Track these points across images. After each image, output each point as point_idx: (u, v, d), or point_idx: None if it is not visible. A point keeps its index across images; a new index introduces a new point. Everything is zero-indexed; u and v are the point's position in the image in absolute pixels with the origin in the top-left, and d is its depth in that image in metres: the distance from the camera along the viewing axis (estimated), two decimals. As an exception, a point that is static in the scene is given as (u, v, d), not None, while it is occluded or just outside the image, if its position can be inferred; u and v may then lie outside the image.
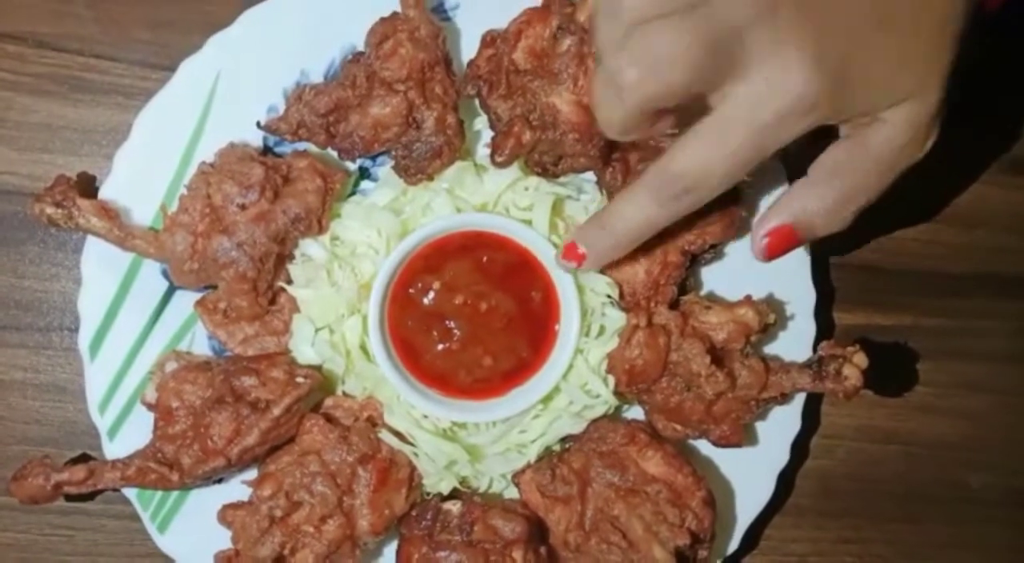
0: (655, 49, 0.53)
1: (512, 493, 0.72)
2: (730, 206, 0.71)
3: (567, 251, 0.65)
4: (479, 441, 0.72)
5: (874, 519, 0.85)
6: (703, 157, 0.55)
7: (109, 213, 0.67)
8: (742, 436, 0.72)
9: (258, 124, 0.69)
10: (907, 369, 0.84)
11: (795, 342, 0.76)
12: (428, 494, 0.72)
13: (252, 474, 0.69)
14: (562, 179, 0.73)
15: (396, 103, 0.67)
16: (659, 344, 0.69)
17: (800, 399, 0.76)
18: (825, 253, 0.79)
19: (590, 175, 0.74)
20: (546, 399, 0.71)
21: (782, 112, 0.53)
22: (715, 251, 0.75)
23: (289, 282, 0.70)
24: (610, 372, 0.70)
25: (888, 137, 0.56)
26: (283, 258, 0.69)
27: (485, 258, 0.70)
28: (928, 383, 0.85)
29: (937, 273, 0.84)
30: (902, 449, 0.85)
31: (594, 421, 0.73)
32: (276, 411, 0.65)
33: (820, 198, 0.59)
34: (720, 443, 0.72)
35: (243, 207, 0.66)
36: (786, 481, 0.78)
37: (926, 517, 0.85)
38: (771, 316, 0.72)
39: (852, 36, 0.53)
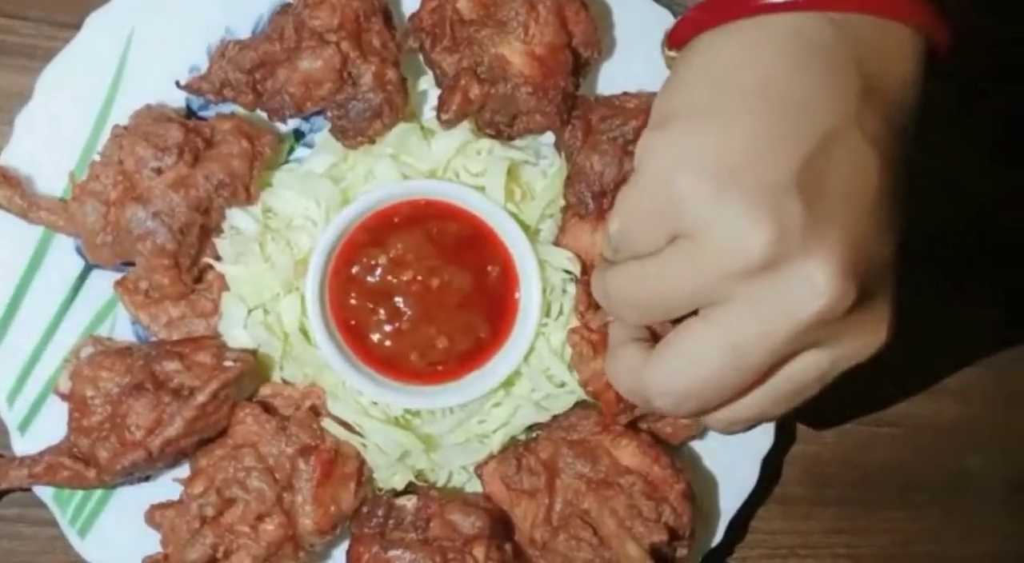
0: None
1: (475, 487, 0.68)
2: None
3: None
4: (435, 430, 0.67)
5: (866, 507, 0.82)
6: (683, 381, 0.50)
7: (10, 181, 0.62)
8: None
9: (177, 83, 0.65)
10: (900, 344, 0.80)
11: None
12: (380, 489, 0.67)
13: (185, 471, 0.65)
14: (518, 142, 0.69)
15: (328, 55, 0.63)
16: None
17: None
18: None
19: (549, 137, 0.70)
20: (507, 384, 0.67)
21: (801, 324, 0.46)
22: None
23: (218, 258, 0.66)
24: (595, 398, 0.66)
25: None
26: (209, 231, 0.65)
27: (435, 229, 0.66)
28: (921, 359, 0.80)
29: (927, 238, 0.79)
30: (895, 431, 0.83)
31: (562, 409, 0.68)
32: (200, 398, 0.60)
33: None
34: None
35: (159, 171, 0.61)
36: (772, 468, 0.75)
37: (921, 503, 0.82)
38: None
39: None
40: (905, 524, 0.83)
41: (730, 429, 0.55)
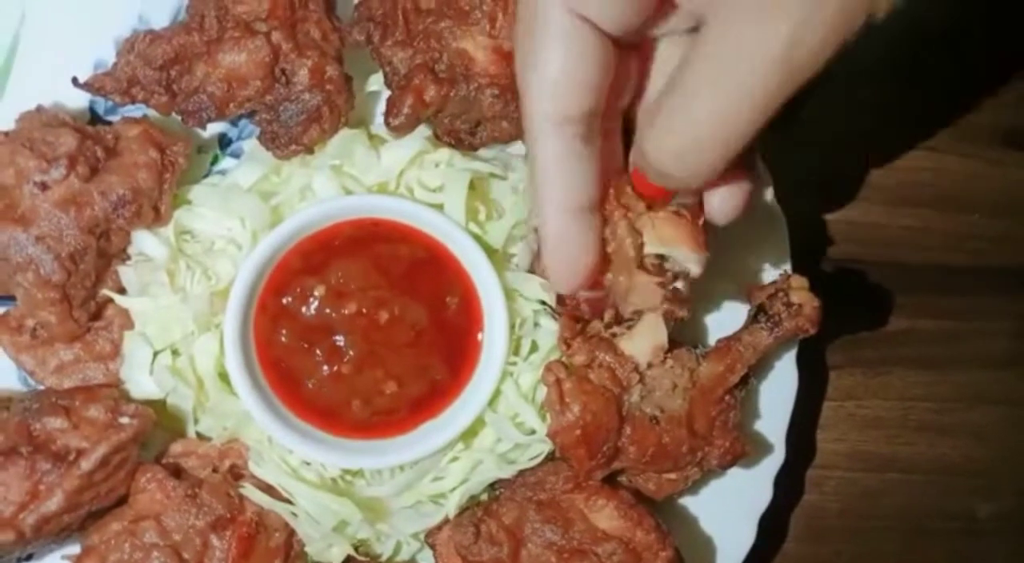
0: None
1: (427, 558, 0.64)
2: None
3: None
4: (380, 493, 0.63)
5: None
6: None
7: None
8: (744, 441, 0.64)
9: (75, 80, 0.59)
10: (904, 382, 0.80)
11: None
12: None
13: (78, 547, 0.59)
14: (482, 152, 0.67)
15: (255, 48, 0.58)
16: (595, 384, 0.61)
17: (783, 424, 0.69)
18: (801, 246, 0.73)
19: (519, 147, 0.66)
20: (468, 435, 0.64)
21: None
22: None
23: (120, 290, 0.61)
24: (564, 454, 0.62)
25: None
26: (109, 258, 0.60)
27: (384, 254, 0.62)
28: (928, 397, 0.80)
29: (928, 267, 0.80)
30: (901, 478, 0.79)
31: (529, 462, 0.64)
32: (86, 465, 0.53)
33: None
34: (727, 461, 0.64)
35: (44, 187, 0.56)
36: (770, 523, 0.70)
37: (929, 558, 0.79)
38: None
39: None
40: (909, 585, 0.79)
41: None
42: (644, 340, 0.62)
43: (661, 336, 0.61)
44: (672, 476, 0.64)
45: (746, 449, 0.64)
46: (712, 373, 0.62)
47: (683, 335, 0.65)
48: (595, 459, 0.61)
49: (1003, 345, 0.80)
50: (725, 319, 0.67)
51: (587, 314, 0.63)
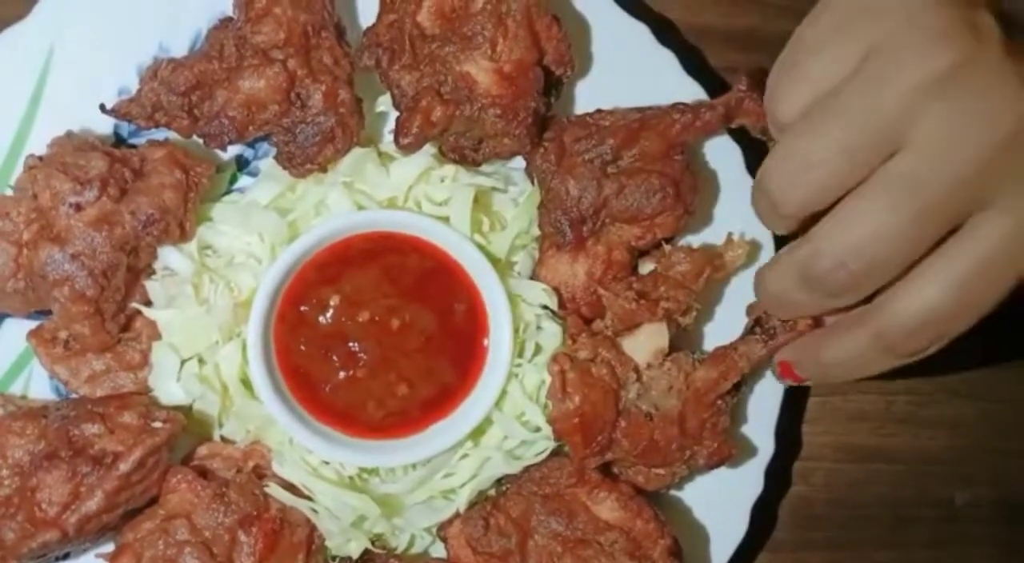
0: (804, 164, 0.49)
1: (439, 551, 0.65)
2: (682, 194, 0.64)
3: (783, 369, 0.63)
4: (395, 489, 0.64)
5: (857, 549, 0.81)
6: (937, 307, 0.50)
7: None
8: (732, 444, 0.65)
9: (102, 107, 0.60)
10: (886, 376, 0.76)
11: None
12: (334, 559, 0.64)
13: (110, 547, 0.60)
14: (485, 167, 0.67)
15: (273, 74, 0.59)
16: (596, 377, 0.63)
17: (771, 419, 0.71)
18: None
19: (519, 162, 0.68)
20: (476, 434, 0.65)
21: None
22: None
23: (147, 303, 0.62)
24: (561, 438, 0.64)
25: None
26: (137, 273, 0.61)
27: (394, 265, 0.63)
28: (909, 391, 0.81)
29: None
30: (884, 468, 0.81)
31: (534, 458, 0.66)
32: (124, 467, 0.55)
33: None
34: (713, 462, 0.66)
35: (78, 207, 0.57)
36: (761, 513, 0.72)
37: (911, 542, 0.81)
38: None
39: None
40: (894, 565, 0.81)
41: (911, 344, 0.53)
42: (646, 342, 0.64)
43: (662, 340, 0.64)
44: (661, 471, 0.66)
45: (732, 452, 0.65)
46: (707, 378, 0.64)
47: (683, 342, 0.67)
48: (590, 446, 0.63)
49: (978, 343, 0.81)
50: (723, 330, 0.68)
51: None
